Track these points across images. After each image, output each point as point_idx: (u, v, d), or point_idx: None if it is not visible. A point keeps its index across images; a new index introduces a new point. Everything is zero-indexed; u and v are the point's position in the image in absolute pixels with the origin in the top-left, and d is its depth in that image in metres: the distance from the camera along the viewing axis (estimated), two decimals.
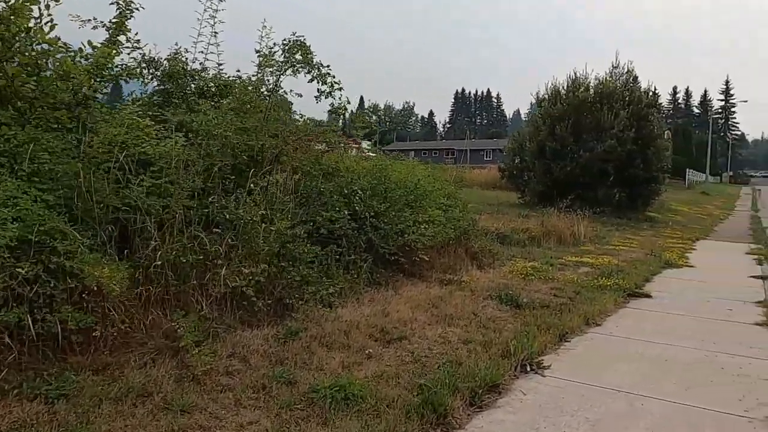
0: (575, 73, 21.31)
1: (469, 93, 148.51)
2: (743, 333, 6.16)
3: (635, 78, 21.02)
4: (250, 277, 4.67)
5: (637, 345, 5.57)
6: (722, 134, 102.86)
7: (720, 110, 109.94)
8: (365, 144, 55.43)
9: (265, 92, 6.26)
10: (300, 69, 6.05)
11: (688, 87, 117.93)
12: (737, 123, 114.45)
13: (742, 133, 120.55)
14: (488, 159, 64.58)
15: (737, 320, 6.72)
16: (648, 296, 7.79)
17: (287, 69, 6.11)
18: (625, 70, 21.02)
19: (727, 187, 66.05)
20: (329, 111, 6.31)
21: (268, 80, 6.25)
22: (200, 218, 4.83)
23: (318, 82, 6.22)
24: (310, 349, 4.47)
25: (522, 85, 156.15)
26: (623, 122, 18.95)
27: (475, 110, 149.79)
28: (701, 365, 5.03)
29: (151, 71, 6.14)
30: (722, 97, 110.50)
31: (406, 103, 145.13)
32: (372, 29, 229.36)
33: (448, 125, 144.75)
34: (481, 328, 5.45)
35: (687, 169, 54.87)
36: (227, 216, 4.89)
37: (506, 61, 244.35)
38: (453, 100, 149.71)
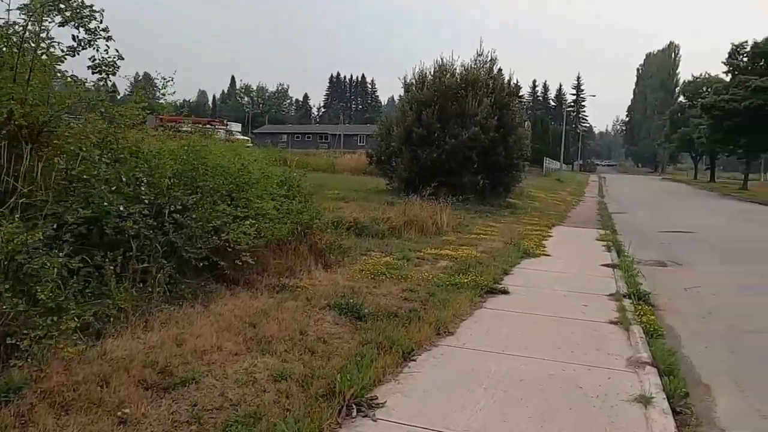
0: (442, 60, 21.04)
1: (345, 78, 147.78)
2: (599, 336, 5.68)
3: (500, 70, 21.24)
4: None
5: (491, 360, 4.78)
6: (574, 126, 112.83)
7: (572, 104, 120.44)
8: (235, 126, 52.28)
9: (16, 40, 4.48)
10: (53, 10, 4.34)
11: (546, 81, 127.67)
12: (586, 116, 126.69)
13: (591, 126, 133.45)
14: (362, 144, 64.23)
15: (592, 318, 6.30)
16: (505, 292, 7.21)
17: (47, 10, 4.38)
18: (489, 58, 21.16)
19: (578, 174, 72.38)
20: (90, 67, 4.68)
21: (20, 26, 4.48)
22: None
23: (75, 26, 4.55)
24: (30, 416, 2.99)
25: (398, 72, 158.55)
26: (486, 110, 18.97)
27: (350, 95, 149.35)
28: (558, 385, 4.32)
29: None
30: (574, 92, 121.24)
31: (280, 85, 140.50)
32: (248, 7, 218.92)
33: (323, 109, 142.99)
34: (306, 354, 4.30)
35: (544, 158, 58.77)
36: None
37: (381, 48, 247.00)
38: (328, 84, 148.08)
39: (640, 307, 6.79)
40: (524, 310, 6.53)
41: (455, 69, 20.55)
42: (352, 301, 5.65)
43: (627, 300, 7.08)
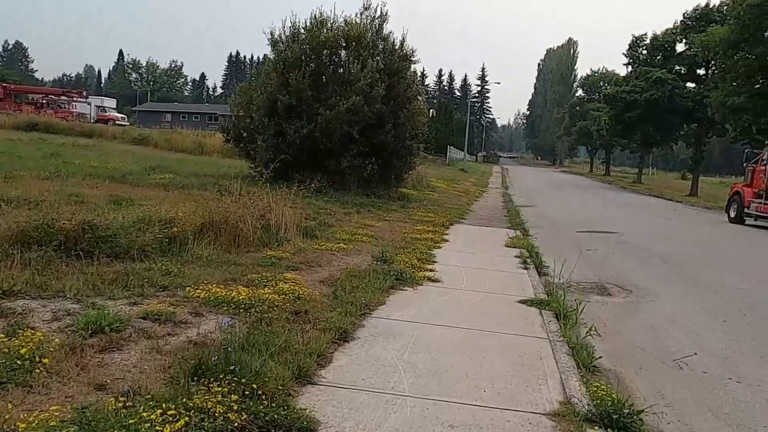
0: (321, 12, 16.58)
1: (244, 57, 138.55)
2: None
3: (391, 33, 17.12)
4: None
5: None
6: (478, 117, 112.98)
7: (477, 95, 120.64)
8: (108, 102, 43.45)
9: None
10: None
11: (451, 71, 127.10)
12: (490, 107, 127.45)
13: (494, 119, 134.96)
14: None
15: None
16: None
17: None
18: (378, 13, 16.96)
19: (482, 165, 71.10)
20: None
21: None
22: None
23: None
24: None
25: None
26: (372, 75, 14.82)
27: (250, 76, 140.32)
28: None
29: None
30: (479, 83, 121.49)
31: (173, 62, 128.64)
32: None
33: (221, 90, 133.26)
34: None
35: (448, 147, 56.33)
36: None
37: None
38: (227, 64, 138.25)
39: None
40: None
41: (335, 23, 16.19)
42: None
43: None
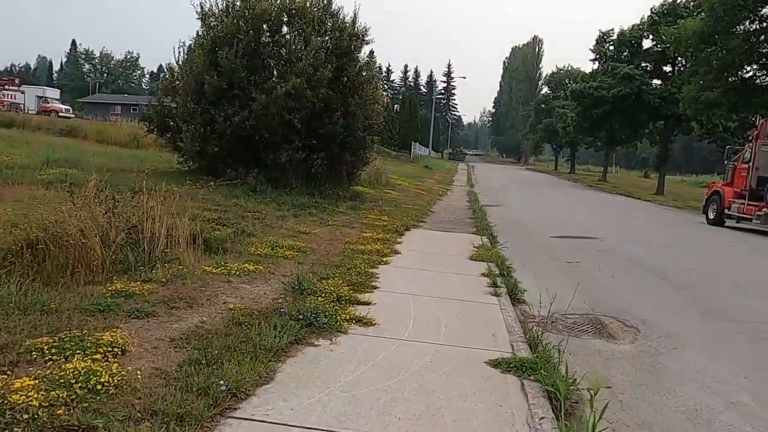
0: None
1: None
2: None
3: (341, 10, 14.97)
4: None
5: None
6: (444, 114, 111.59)
7: (443, 91, 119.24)
8: (51, 92, 39.07)
9: None
10: None
11: (417, 67, 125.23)
12: (456, 104, 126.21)
13: (460, 116, 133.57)
14: None
15: None
16: None
17: None
18: None
19: (447, 162, 69.47)
20: None
21: None
22: None
23: None
24: None
25: None
26: (317, 54, 12.68)
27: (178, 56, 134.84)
28: None
29: None
30: (445, 79, 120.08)
31: (129, 53, 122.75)
32: None
33: (177, 82, 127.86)
34: None
35: (412, 143, 54.53)
36: None
37: None
38: (186, 56, 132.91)
39: None
40: None
41: None
42: None
43: None
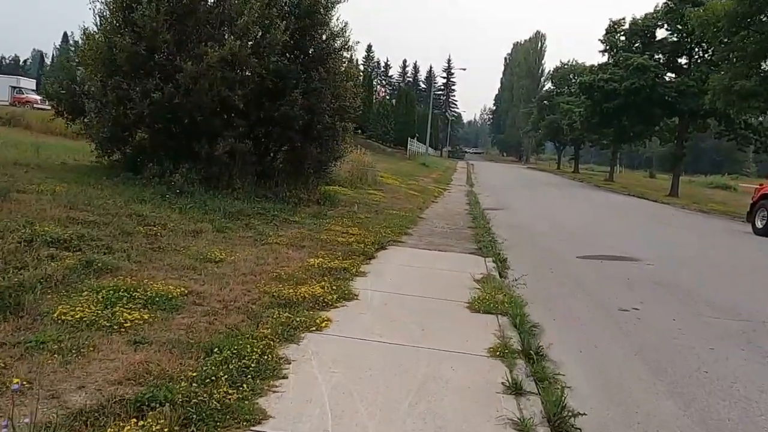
0: None
1: None
2: None
3: None
4: None
5: None
6: (444, 111, 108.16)
7: (442, 87, 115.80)
8: (26, 83, 34.67)
9: None
10: None
11: (416, 62, 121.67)
12: (456, 101, 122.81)
13: (460, 114, 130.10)
14: None
15: None
16: None
17: None
18: None
19: (446, 160, 66.14)
20: None
21: None
22: None
23: None
24: None
25: None
26: (266, 11, 9.49)
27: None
28: None
29: None
30: (445, 75, 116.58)
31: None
32: None
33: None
34: None
35: (409, 138, 51.29)
36: None
37: None
38: None
39: None
40: None
41: None
42: None
43: None
